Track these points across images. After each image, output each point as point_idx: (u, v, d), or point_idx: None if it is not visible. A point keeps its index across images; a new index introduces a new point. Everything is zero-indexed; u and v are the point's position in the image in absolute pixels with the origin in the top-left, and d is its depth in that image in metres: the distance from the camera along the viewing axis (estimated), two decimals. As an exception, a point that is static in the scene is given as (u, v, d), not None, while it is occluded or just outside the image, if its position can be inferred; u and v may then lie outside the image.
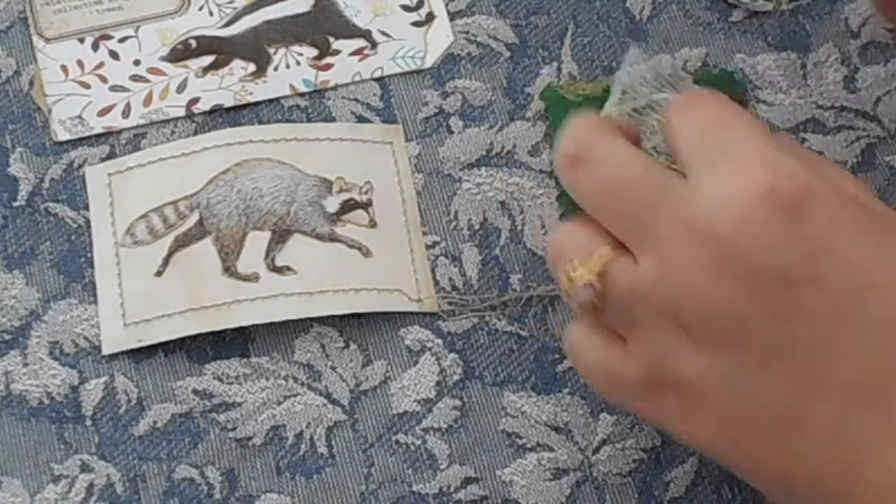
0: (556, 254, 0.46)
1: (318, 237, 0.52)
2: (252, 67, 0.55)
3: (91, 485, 0.49)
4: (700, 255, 0.41)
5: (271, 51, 0.55)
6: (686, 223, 0.42)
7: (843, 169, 0.47)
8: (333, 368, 0.50)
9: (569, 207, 0.53)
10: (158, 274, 0.51)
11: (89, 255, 0.52)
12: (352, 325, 0.51)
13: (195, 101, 0.54)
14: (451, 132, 0.54)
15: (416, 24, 0.56)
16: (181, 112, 0.54)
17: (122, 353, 0.50)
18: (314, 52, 0.55)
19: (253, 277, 0.50)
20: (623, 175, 0.44)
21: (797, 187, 0.41)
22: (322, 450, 0.49)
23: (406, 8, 0.56)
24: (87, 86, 0.54)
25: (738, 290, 0.41)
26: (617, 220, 0.44)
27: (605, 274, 0.43)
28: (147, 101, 0.54)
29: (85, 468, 0.49)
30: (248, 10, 0.56)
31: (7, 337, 0.51)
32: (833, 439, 0.41)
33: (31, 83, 0.54)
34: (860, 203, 0.42)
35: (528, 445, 0.50)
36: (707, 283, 0.41)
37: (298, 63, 0.55)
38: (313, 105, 0.54)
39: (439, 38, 0.55)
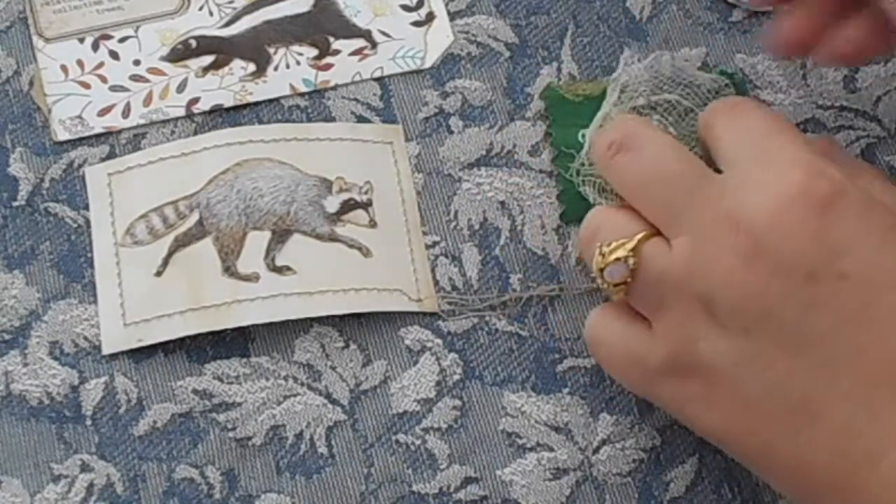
0: (589, 232, 0.47)
1: (318, 237, 0.52)
2: (252, 67, 0.55)
3: (91, 485, 0.49)
4: (733, 243, 0.43)
5: (271, 51, 0.55)
6: (722, 213, 0.43)
7: (883, 175, 0.49)
8: (333, 368, 0.50)
9: (569, 207, 0.53)
10: (158, 274, 0.51)
11: (89, 255, 0.52)
12: (352, 325, 0.51)
13: (195, 100, 0.54)
14: (451, 132, 0.54)
15: (416, 24, 0.56)
16: (181, 112, 0.54)
17: (122, 353, 0.50)
18: (314, 52, 0.55)
19: (253, 277, 0.50)
20: (664, 164, 0.46)
21: (830, 188, 0.43)
22: (322, 450, 0.49)
23: (406, 8, 0.56)
24: (87, 86, 0.54)
25: (768, 281, 0.42)
26: (654, 206, 0.46)
27: (638, 254, 0.45)
28: (147, 101, 0.54)
29: (85, 468, 0.49)
30: (248, 10, 0.56)
31: (7, 337, 0.51)
32: (850, 431, 0.42)
33: (31, 83, 0.54)
34: (889, 208, 0.44)
35: (528, 445, 0.50)
36: (738, 271, 0.43)
37: (298, 63, 0.55)
38: (313, 105, 0.54)
39: (439, 38, 0.55)
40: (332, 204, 0.52)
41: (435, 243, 0.52)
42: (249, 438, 0.50)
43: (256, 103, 0.54)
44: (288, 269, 0.51)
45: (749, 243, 0.42)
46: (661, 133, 0.47)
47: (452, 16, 0.56)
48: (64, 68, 0.54)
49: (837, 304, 0.42)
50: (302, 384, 0.50)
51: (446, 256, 0.52)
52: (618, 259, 0.45)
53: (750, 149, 0.45)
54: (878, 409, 0.41)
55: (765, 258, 0.42)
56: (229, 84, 0.54)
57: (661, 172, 0.45)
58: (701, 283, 0.43)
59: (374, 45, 0.55)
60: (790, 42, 0.49)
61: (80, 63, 0.54)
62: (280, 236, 0.51)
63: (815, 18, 0.49)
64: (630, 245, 0.45)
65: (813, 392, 0.42)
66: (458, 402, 0.50)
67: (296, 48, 0.55)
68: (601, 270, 0.46)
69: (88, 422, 0.50)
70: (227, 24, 0.55)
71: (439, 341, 0.51)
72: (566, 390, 0.50)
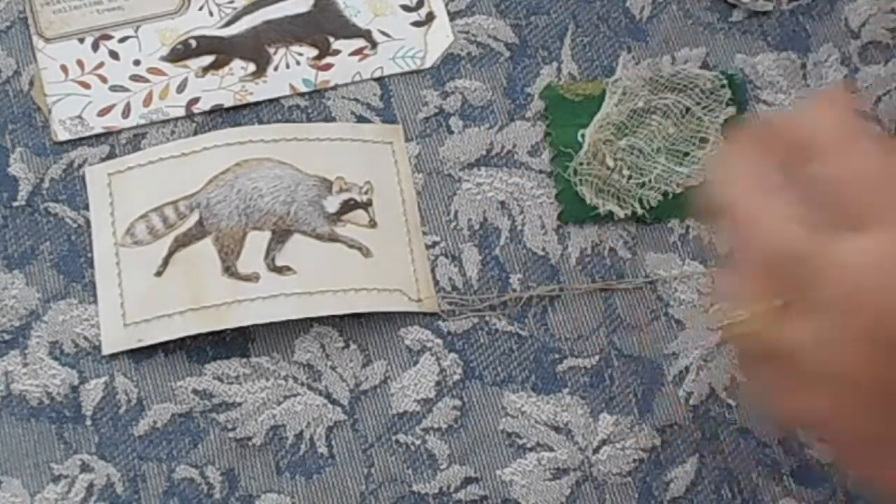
0: (720, 293, 0.46)
1: (318, 237, 0.52)
2: (252, 67, 0.55)
3: (91, 485, 0.49)
4: (856, 324, 0.41)
5: (271, 51, 0.55)
6: (845, 289, 0.42)
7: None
8: (333, 368, 0.50)
9: (567, 207, 0.53)
10: (158, 274, 0.51)
11: (89, 255, 0.52)
12: (352, 325, 0.51)
13: (195, 101, 0.54)
14: (451, 132, 0.54)
15: (416, 24, 0.56)
16: (181, 112, 0.54)
17: (122, 353, 0.50)
18: (314, 52, 0.55)
19: (253, 277, 0.50)
20: (785, 239, 0.44)
21: None
22: (322, 450, 0.49)
23: (406, 8, 0.56)
24: (87, 86, 0.54)
25: (892, 363, 0.41)
26: (780, 280, 0.44)
27: (766, 322, 0.43)
28: (147, 101, 0.54)
29: (85, 468, 0.49)
30: (248, 10, 0.56)
31: (7, 337, 0.51)
32: None
33: (31, 83, 0.54)
34: None
35: (528, 445, 0.50)
36: (861, 352, 0.41)
37: (298, 63, 0.55)
38: (313, 105, 0.54)
39: (439, 38, 0.55)
40: (332, 204, 0.52)
41: (435, 243, 0.52)
42: (249, 438, 0.50)
43: (256, 103, 0.54)
44: (288, 269, 0.51)
45: (871, 324, 0.41)
46: (779, 203, 0.45)
47: (452, 16, 0.56)
48: (64, 68, 0.54)
49: None
50: (302, 384, 0.50)
51: (446, 256, 0.52)
52: (743, 322, 0.44)
53: (876, 202, 0.43)
54: None
55: (889, 340, 0.41)
56: (229, 84, 0.54)
57: (783, 248, 0.44)
58: (825, 364, 0.42)
59: (374, 45, 0.55)
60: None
61: (80, 63, 0.54)
62: (280, 236, 0.51)
63: None
64: (758, 311, 0.44)
65: None
66: (458, 402, 0.50)
67: (296, 48, 0.55)
68: (729, 336, 0.45)
69: (88, 422, 0.50)
70: (227, 24, 0.55)
71: (439, 341, 0.51)
72: (566, 390, 0.50)
